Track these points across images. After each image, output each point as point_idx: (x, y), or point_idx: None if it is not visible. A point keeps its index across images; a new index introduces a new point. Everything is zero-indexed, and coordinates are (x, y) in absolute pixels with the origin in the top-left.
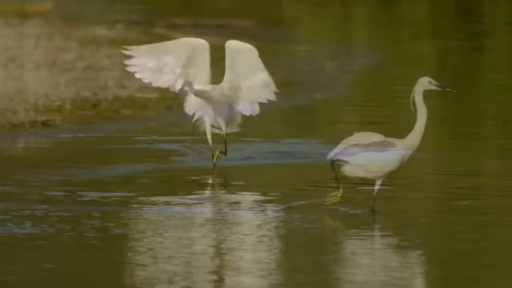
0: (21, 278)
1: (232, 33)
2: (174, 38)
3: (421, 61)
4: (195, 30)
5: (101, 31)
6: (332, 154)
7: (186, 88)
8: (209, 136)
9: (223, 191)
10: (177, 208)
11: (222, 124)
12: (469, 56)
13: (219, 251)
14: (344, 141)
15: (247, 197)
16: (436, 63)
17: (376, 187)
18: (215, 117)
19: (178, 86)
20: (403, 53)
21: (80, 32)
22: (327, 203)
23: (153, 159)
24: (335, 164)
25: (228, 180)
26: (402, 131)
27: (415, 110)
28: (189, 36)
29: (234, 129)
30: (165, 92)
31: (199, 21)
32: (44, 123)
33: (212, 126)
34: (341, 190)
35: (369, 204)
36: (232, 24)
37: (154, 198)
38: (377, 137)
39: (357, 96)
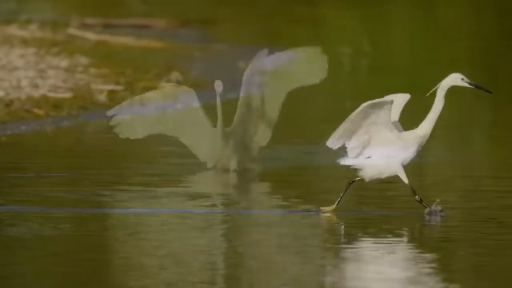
0: None
1: (147, 33)
2: (86, 38)
3: (458, 62)
4: (108, 30)
5: (14, 30)
6: (348, 160)
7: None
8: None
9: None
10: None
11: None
12: (508, 57)
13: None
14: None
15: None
16: (474, 64)
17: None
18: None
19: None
20: (440, 54)
21: None
22: (322, 210)
23: (65, 159)
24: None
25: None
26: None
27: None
28: (101, 36)
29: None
30: (78, 92)
31: (112, 21)
32: None
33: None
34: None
35: (385, 207)
36: (148, 24)
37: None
38: (391, 97)
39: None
